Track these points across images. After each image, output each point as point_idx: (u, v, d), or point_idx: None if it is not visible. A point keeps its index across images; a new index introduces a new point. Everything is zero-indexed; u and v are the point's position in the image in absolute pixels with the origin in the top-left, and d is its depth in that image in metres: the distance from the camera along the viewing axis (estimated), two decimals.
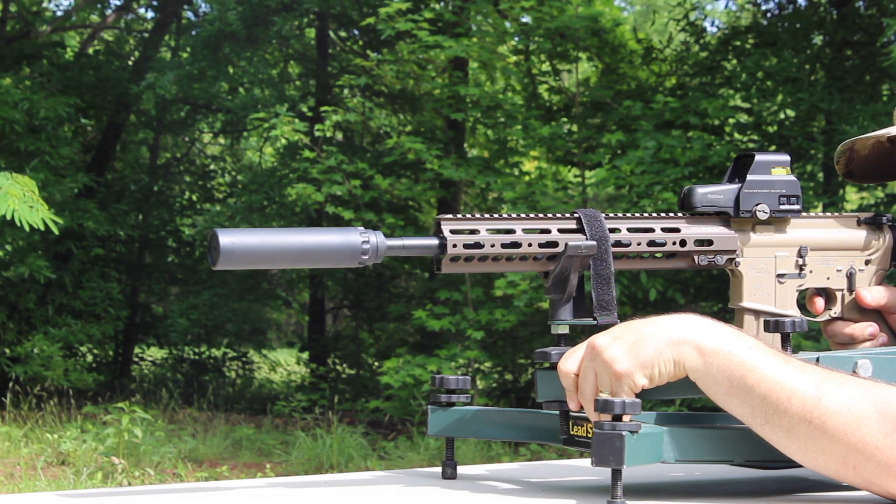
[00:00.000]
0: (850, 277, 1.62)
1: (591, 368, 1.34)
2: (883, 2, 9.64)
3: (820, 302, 1.62)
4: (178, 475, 7.91)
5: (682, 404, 7.23)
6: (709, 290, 9.80)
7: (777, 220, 1.58)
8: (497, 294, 9.20)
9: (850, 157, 1.68)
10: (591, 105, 10.27)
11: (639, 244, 1.51)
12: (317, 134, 9.77)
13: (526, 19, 10.35)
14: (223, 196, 14.56)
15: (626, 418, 1.26)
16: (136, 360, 14.26)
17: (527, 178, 10.71)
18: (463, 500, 1.40)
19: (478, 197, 11.38)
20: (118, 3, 14.67)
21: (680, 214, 1.56)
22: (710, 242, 1.55)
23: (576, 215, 1.49)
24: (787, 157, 1.59)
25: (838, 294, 1.62)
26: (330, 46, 13.68)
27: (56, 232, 6.98)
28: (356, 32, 13.55)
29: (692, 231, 1.55)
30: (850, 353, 1.39)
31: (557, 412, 1.43)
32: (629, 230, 1.51)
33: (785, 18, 11.03)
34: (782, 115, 10.40)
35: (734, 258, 1.57)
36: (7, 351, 11.34)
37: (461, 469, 1.59)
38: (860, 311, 1.61)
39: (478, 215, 1.46)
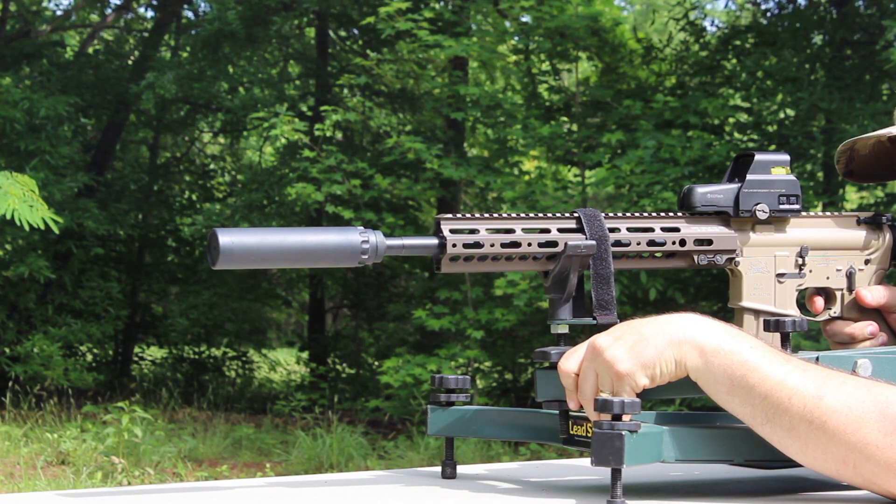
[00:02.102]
0: (850, 277, 1.62)
1: (592, 368, 1.34)
2: (883, 2, 9.64)
3: (820, 301, 1.62)
4: (178, 475, 7.91)
5: (682, 404, 7.23)
6: (708, 289, 9.80)
7: (777, 220, 1.58)
8: (497, 293, 9.19)
9: (850, 157, 1.68)
10: (591, 104, 10.27)
11: (638, 244, 1.51)
12: (316, 133, 9.77)
13: (526, 19, 10.35)
14: (223, 195, 14.56)
15: (625, 418, 1.26)
16: (135, 359, 14.26)
17: (526, 177, 10.70)
18: (463, 500, 1.40)
19: (477, 196, 11.37)
20: (118, 2, 14.67)
21: (679, 214, 1.56)
22: (709, 242, 1.55)
23: (575, 215, 1.49)
24: (786, 157, 1.59)
25: (838, 293, 1.62)
26: (330, 46, 13.68)
27: (56, 231, 6.99)
28: (356, 32, 13.54)
29: (692, 231, 1.55)
30: (850, 353, 1.39)
31: (557, 412, 1.43)
32: (629, 230, 1.51)
33: (785, 18, 11.03)
34: (782, 115, 10.40)
35: (734, 258, 1.57)
36: (7, 350, 11.34)
37: (461, 468, 1.59)
38: (860, 310, 1.61)
39: (477, 215, 1.46)
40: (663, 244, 1.53)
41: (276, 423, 10.74)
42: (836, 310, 1.62)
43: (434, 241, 1.44)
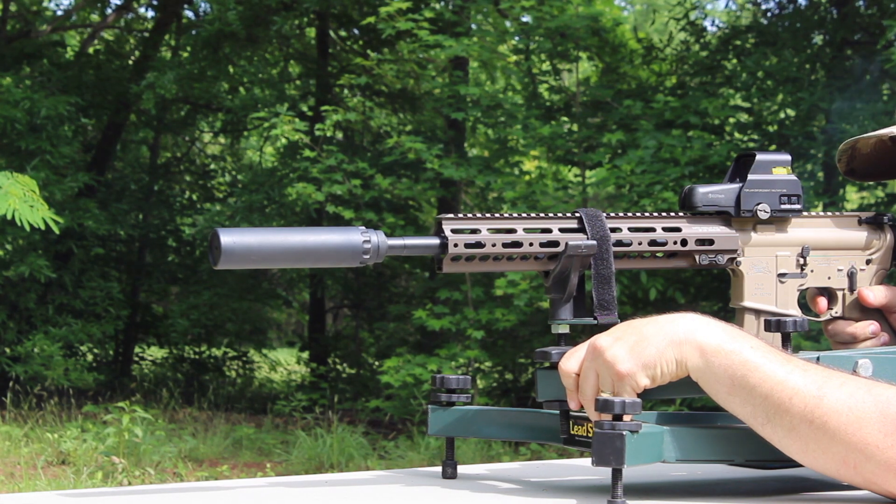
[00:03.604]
0: (852, 277, 1.62)
1: (593, 368, 1.34)
2: (883, 2, 9.64)
3: (822, 301, 1.62)
4: (179, 475, 7.91)
5: (683, 404, 7.23)
6: (709, 289, 9.79)
7: (778, 220, 1.58)
8: (497, 293, 9.19)
9: (851, 156, 1.68)
10: (592, 104, 10.26)
11: (640, 244, 1.51)
12: (317, 133, 9.77)
13: (526, 19, 10.35)
14: (223, 196, 14.56)
15: (626, 418, 1.26)
16: (136, 359, 14.26)
17: (527, 177, 10.70)
18: (463, 500, 1.40)
19: (478, 196, 11.37)
20: (118, 2, 14.67)
21: (681, 214, 1.56)
22: (711, 242, 1.55)
23: (577, 215, 1.49)
24: (787, 157, 1.59)
25: (839, 293, 1.62)
26: (330, 46, 13.68)
27: (56, 231, 6.98)
28: (356, 32, 13.54)
29: (693, 231, 1.54)
30: (851, 353, 1.39)
31: (558, 412, 1.43)
32: (630, 230, 1.51)
33: (785, 18, 11.03)
34: (782, 115, 10.39)
35: (735, 258, 1.57)
36: (7, 350, 11.33)
37: (461, 469, 1.59)
38: (861, 310, 1.61)
39: (479, 214, 1.46)
40: (665, 244, 1.53)
41: (276, 423, 10.74)
42: (837, 310, 1.62)
43: (436, 240, 1.44)
